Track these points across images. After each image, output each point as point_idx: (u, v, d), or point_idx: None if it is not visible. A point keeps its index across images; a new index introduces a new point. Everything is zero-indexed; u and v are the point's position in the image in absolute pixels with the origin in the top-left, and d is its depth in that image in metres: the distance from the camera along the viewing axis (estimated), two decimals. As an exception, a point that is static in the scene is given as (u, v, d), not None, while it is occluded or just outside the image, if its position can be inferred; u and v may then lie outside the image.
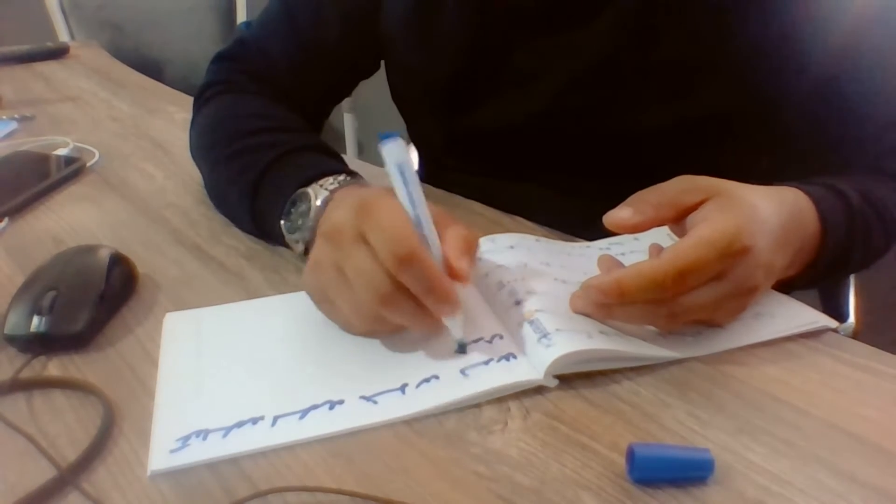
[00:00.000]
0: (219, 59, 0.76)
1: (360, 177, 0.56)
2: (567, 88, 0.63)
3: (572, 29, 0.61)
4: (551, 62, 0.63)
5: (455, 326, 0.44)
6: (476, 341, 0.45)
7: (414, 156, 0.83)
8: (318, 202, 0.52)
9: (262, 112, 0.68)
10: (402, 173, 0.43)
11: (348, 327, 0.46)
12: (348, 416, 0.40)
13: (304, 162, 0.58)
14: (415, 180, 0.44)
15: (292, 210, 0.54)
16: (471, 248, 0.45)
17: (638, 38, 0.59)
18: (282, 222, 0.55)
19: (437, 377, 0.42)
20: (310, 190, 0.53)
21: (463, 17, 0.65)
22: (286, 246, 0.57)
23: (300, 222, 0.54)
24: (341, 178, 0.54)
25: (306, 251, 0.53)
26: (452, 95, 0.69)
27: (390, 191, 0.44)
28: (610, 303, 0.43)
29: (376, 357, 0.45)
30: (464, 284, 0.43)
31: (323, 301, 0.46)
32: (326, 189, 0.53)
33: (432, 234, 0.44)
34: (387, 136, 0.44)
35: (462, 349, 0.44)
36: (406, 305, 0.42)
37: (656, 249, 0.47)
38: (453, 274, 0.43)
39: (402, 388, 0.42)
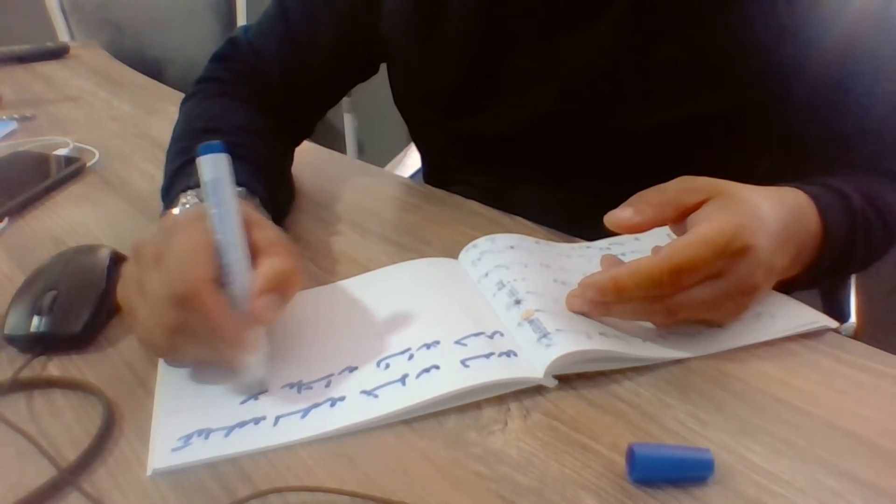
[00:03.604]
0: (213, 58, 0.76)
1: (251, 188, 0.54)
2: (568, 91, 0.63)
3: (573, 32, 0.61)
4: (552, 65, 0.63)
5: (251, 367, 0.41)
6: (476, 335, 0.45)
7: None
8: (177, 211, 0.50)
9: (210, 114, 0.67)
10: (213, 192, 0.40)
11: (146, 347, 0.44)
12: (350, 413, 0.40)
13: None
14: (228, 201, 0.41)
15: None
16: (284, 285, 0.41)
17: (637, 41, 0.59)
18: None
19: (437, 367, 0.42)
20: (182, 197, 0.52)
21: (464, 22, 0.65)
22: None
23: None
24: None
25: None
26: (454, 99, 0.69)
27: (203, 215, 0.41)
28: (607, 300, 0.43)
29: (377, 350, 0.45)
30: (262, 323, 0.41)
31: (128, 315, 0.43)
32: (198, 198, 0.51)
33: (238, 264, 0.41)
34: (207, 148, 0.41)
35: (255, 389, 0.41)
36: (193, 339, 0.40)
37: (657, 250, 0.47)
38: (249, 313, 0.40)
39: (403, 380, 0.42)
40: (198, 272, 0.39)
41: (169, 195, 0.56)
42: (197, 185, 0.52)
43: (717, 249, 0.42)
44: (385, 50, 0.72)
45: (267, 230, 0.44)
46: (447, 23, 0.65)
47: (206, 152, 0.41)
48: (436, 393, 0.40)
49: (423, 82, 0.71)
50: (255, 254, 0.43)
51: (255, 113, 0.68)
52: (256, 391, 0.42)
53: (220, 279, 0.40)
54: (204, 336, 0.39)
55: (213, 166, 0.41)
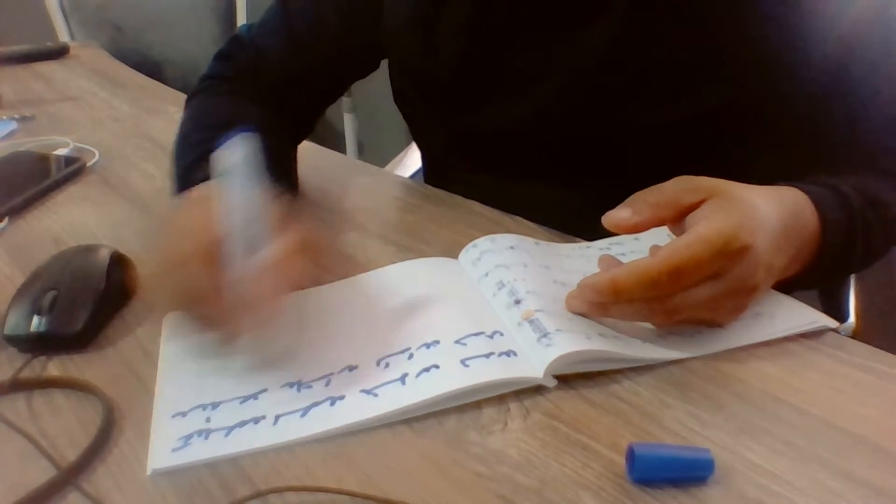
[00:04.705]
0: (217, 56, 0.77)
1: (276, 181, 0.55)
2: (567, 88, 0.63)
3: (572, 29, 0.61)
4: (552, 62, 0.63)
5: (243, 347, 0.42)
6: (476, 335, 0.45)
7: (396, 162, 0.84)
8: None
9: (220, 110, 0.68)
10: (239, 174, 0.42)
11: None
12: (349, 411, 0.40)
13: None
14: (252, 184, 0.43)
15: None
16: (288, 271, 0.42)
17: (637, 38, 0.59)
18: None
19: (437, 367, 0.42)
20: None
21: (463, 18, 0.65)
22: None
23: None
24: None
25: None
26: (453, 96, 0.69)
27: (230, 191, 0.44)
28: (605, 301, 0.43)
29: (377, 349, 0.45)
30: (258, 307, 0.41)
31: (148, 276, 0.47)
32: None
33: (250, 244, 0.42)
34: (237, 133, 0.43)
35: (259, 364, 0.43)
36: (204, 304, 0.41)
37: (656, 249, 0.47)
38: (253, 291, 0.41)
39: (403, 379, 0.42)
40: (209, 241, 0.41)
41: (185, 183, 0.57)
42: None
43: (715, 250, 0.42)
44: (386, 45, 0.72)
45: (284, 215, 0.45)
46: (446, 16, 0.66)
47: (236, 136, 0.43)
48: (435, 392, 0.40)
49: (422, 77, 0.71)
50: (268, 238, 0.44)
51: (259, 110, 0.69)
52: (248, 373, 0.42)
53: (231, 257, 0.42)
54: (203, 314, 0.41)
55: (243, 150, 0.43)
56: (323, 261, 0.57)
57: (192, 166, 0.59)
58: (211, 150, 0.59)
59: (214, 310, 0.41)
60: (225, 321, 0.41)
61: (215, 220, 0.42)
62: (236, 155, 0.42)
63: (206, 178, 0.53)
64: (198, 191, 0.45)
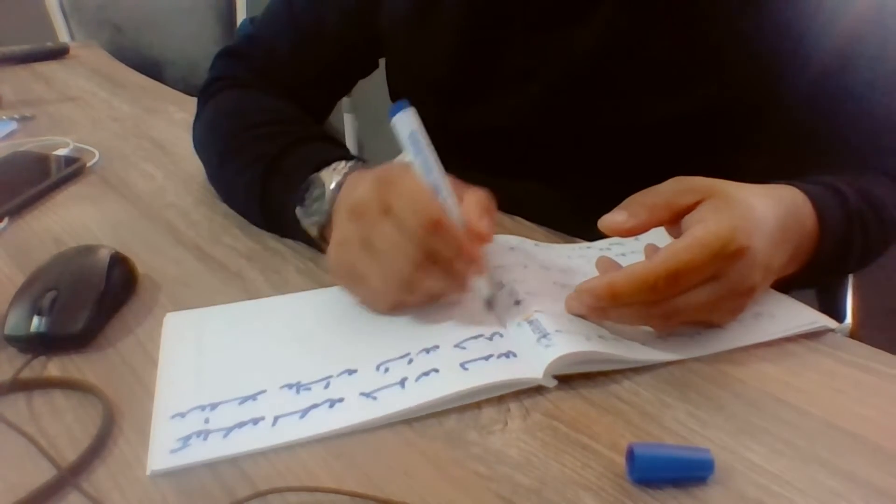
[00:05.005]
0: (225, 54, 0.77)
1: (367, 162, 0.57)
2: (563, 85, 0.63)
3: (568, 26, 0.61)
4: (547, 59, 0.63)
5: (483, 284, 0.46)
6: (476, 338, 0.45)
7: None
8: (332, 185, 0.53)
9: (267, 105, 0.69)
10: (414, 142, 0.46)
11: (375, 302, 0.48)
12: (348, 414, 0.40)
13: (313, 149, 0.59)
14: (428, 148, 0.47)
15: (306, 195, 0.55)
16: (489, 209, 0.47)
17: (633, 35, 0.59)
18: (297, 209, 0.55)
19: (436, 370, 0.42)
20: (323, 175, 0.54)
21: (459, 15, 0.65)
22: (296, 235, 0.58)
23: (315, 206, 0.54)
24: (351, 163, 0.55)
25: (320, 238, 0.54)
26: (449, 93, 0.69)
27: (406, 164, 0.46)
28: (604, 306, 0.43)
29: (377, 354, 0.45)
30: (487, 242, 0.46)
31: (350, 278, 0.48)
32: (339, 172, 0.54)
33: (451, 199, 0.46)
34: (397, 107, 0.46)
35: (490, 305, 0.46)
36: (436, 270, 0.45)
37: (651, 249, 0.47)
38: (475, 235, 0.45)
39: (402, 382, 0.42)
40: (435, 204, 0.45)
41: (280, 178, 0.58)
42: (330, 162, 0.55)
43: (712, 252, 0.41)
44: (384, 43, 0.72)
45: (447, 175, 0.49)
46: (444, 14, 0.66)
47: (397, 111, 0.47)
48: (434, 396, 0.40)
49: (418, 73, 0.71)
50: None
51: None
52: (486, 306, 0.47)
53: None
54: (446, 264, 0.45)
55: (409, 120, 0.46)
56: (323, 263, 0.58)
57: (294, 153, 0.59)
58: (302, 137, 0.61)
59: (457, 267, 0.45)
60: (463, 274, 0.46)
61: (429, 192, 0.45)
62: (407, 126, 0.46)
63: (327, 162, 0.55)
64: (383, 172, 0.47)
